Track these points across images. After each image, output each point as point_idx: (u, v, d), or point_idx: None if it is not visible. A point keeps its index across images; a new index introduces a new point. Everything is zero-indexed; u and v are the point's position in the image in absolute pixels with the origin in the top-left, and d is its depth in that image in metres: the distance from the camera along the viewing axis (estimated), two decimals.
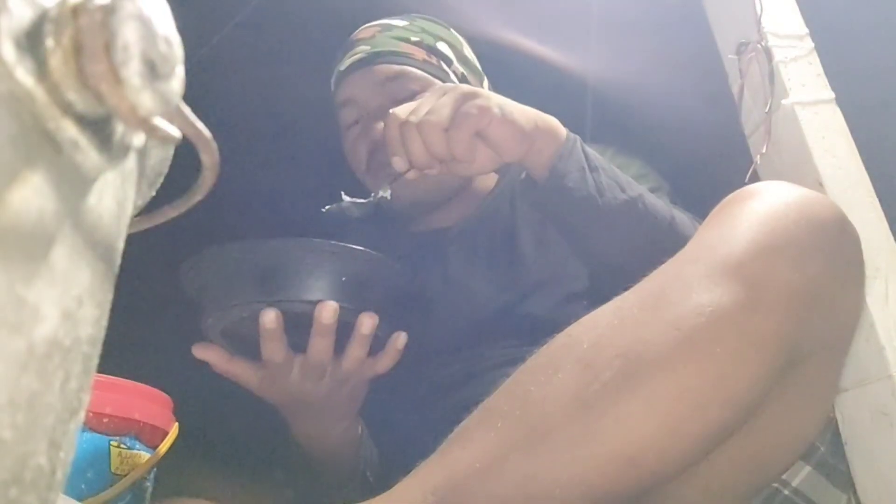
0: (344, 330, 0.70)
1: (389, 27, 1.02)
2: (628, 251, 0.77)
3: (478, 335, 0.90)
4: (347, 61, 1.01)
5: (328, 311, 0.68)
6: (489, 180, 1.07)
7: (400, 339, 0.75)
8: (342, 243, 0.69)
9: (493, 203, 1.02)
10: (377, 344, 0.74)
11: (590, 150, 0.80)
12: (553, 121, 0.79)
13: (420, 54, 0.99)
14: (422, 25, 1.03)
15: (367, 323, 0.70)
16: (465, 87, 0.77)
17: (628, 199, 0.77)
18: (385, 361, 0.76)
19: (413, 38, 1.00)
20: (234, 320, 0.70)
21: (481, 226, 1.00)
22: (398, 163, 0.75)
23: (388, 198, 0.80)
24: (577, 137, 0.80)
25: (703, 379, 0.50)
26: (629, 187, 0.79)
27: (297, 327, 0.69)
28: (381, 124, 0.93)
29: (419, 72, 0.98)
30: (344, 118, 1.02)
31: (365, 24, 1.05)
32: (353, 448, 0.85)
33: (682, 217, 0.82)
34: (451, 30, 1.06)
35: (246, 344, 0.73)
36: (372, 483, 0.87)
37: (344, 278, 0.69)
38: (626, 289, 0.57)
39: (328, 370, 0.74)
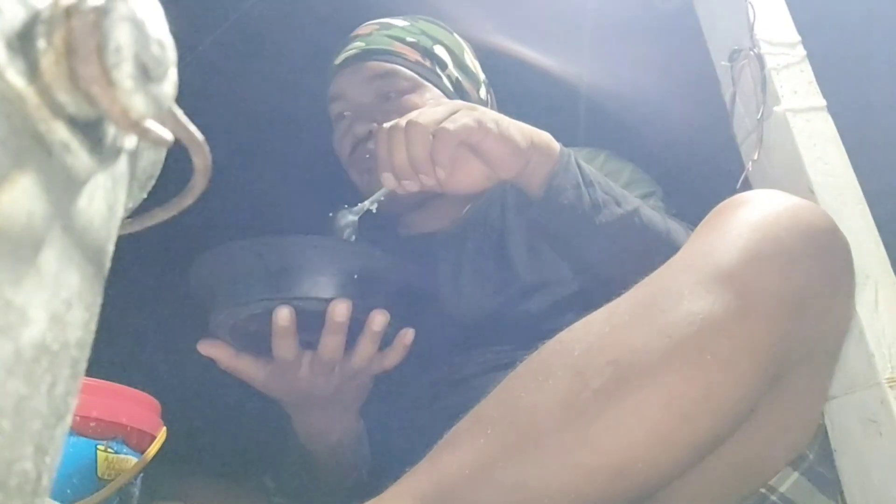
0: (353, 326, 0.71)
1: (388, 26, 1.03)
2: (623, 263, 0.76)
3: (467, 339, 0.90)
4: (342, 56, 1.03)
5: (342, 309, 0.69)
6: None
7: (408, 334, 0.76)
8: (354, 241, 0.71)
9: (482, 207, 1.02)
10: (382, 340, 0.75)
11: (584, 164, 0.80)
12: (547, 137, 0.79)
13: (413, 55, 1.00)
14: (422, 27, 1.03)
15: (379, 320, 0.72)
16: (462, 102, 0.77)
17: (624, 214, 0.78)
18: (392, 357, 0.77)
19: (409, 39, 1.01)
20: (245, 317, 0.71)
21: (471, 230, 1.00)
22: (385, 179, 0.74)
23: (374, 211, 0.81)
24: (572, 152, 0.80)
25: (694, 387, 0.50)
26: (625, 201, 0.79)
27: (307, 323, 0.69)
28: (365, 122, 0.96)
29: (409, 72, 0.98)
30: (333, 112, 1.04)
31: (354, 24, 1.07)
32: (354, 444, 0.86)
33: (677, 228, 0.82)
34: (455, 34, 1.06)
35: (253, 340, 0.73)
36: (366, 480, 0.87)
37: (356, 276, 0.70)
38: (617, 294, 0.58)
39: (338, 366, 0.74)
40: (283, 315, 0.68)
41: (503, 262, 0.95)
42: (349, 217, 0.80)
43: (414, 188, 0.75)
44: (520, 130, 0.76)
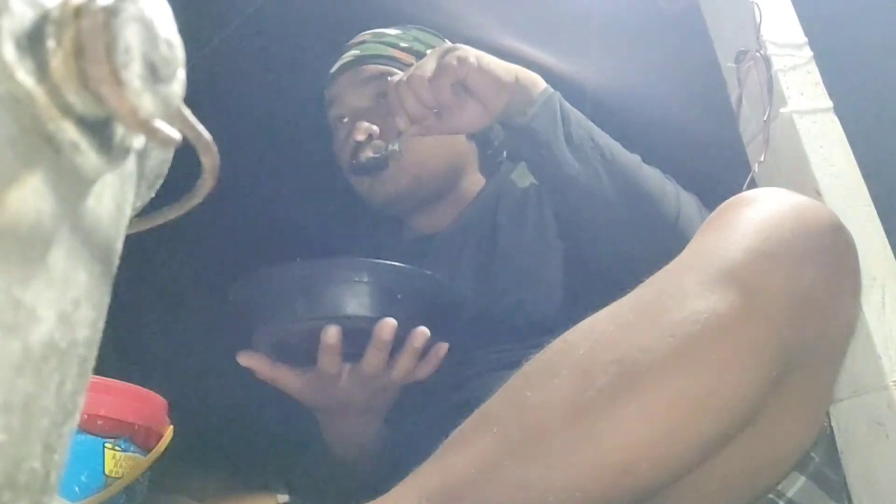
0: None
1: (382, 35, 1.07)
2: (596, 197, 0.83)
3: (470, 339, 0.91)
4: (338, 64, 1.07)
5: (388, 328, 0.73)
6: (474, 186, 1.09)
7: (442, 348, 0.79)
8: (398, 263, 0.76)
9: (477, 207, 1.05)
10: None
11: (569, 105, 0.86)
12: (535, 76, 0.86)
13: (408, 59, 1.03)
14: (415, 35, 1.08)
15: (421, 338, 0.75)
16: (450, 44, 0.86)
17: (596, 147, 0.83)
18: (426, 369, 0.79)
19: (402, 45, 1.05)
20: (290, 334, 0.76)
21: (466, 231, 1.03)
22: (399, 122, 0.83)
23: (398, 150, 0.90)
24: (557, 92, 0.86)
25: (698, 386, 0.50)
26: (600, 138, 0.85)
27: (348, 338, 0.73)
28: (363, 125, 0.98)
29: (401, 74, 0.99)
30: (331, 116, 1.07)
31: (361, 25, 1.10)
32: (380, 448, 0.88)
33: (649, 169, 0.87)
34: (447, 41, 1.08)
35: (291, 353, 0.78)
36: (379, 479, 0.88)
37: (399, 296, 0.75)
38: (619, 291, 0.57)
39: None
40: (332, 333, 0.72)
41: (494, 261, 0.97)
42: (377, 162, 0.92)
43: (423, 131, 0.86)
44: (505, 67, 0.84)
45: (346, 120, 1.04)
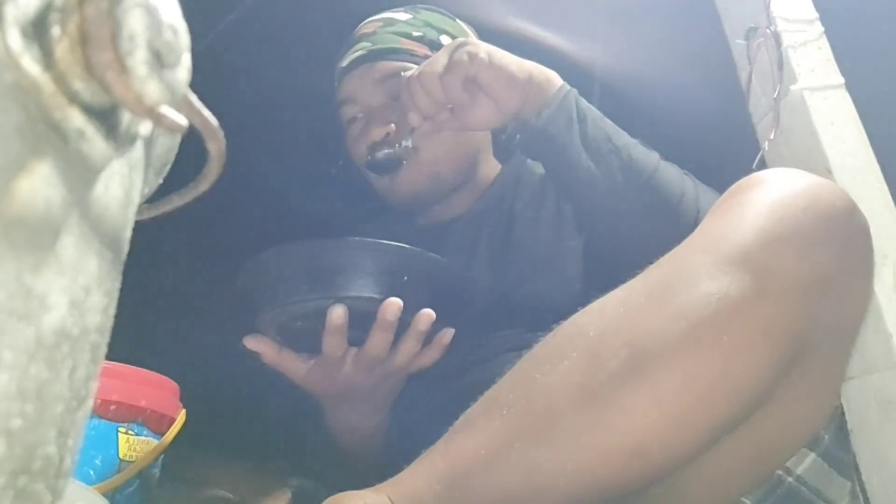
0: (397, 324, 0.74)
1: (392, 21, 1.02)
2: (626, 210, 0.82)
3: (481, 322, 0.90)
4: (348, 58, 1.03)
5: (393, 308, 0.71)
6: (491, 172, 1.08)
7: (447, 334, 0.78)
8: (405, 245, 0.75)
9: (494, 193, 1.04)
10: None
11: (586, 103, 0.84)
12: (550, 73, 0.84)
13: (422, 50, 1.00)
14: (425, 18, 1.03)
15: (425, 320, 0.74)
16: (461, 39, 0.84)
17: (613, 149, 0.81)
18: (431, 355, 0.78)
19: (415, 34, 1.01)
20: (297, 315, 0.75)
21: (483, 216, 1.01)
22: (413, 117, 0.84)
23: (412, 147, 0.91)
24: (574, 90, 0.84)
25: (710, 369, 0.50)
26: (617, 138, 0.83)
27: (353, 322, 0.72)
28: (382, 124, 0.97)
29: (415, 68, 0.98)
30: (344, 115, 1.04)
31: (373, 11, 1.06)
32: (385, 438, 0.88)
33: (668, 169, 0.85)
34: (458, 21, 1.06)
35: (296, 338, 0.77)
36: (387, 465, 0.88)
37: (406, 278, 0.73)
38: (628, 274, 0.57)
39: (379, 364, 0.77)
40: (338, 313, 0.71)
41: (510, 245, 0.96)
42: (392, 158, 0.92)
43: (437, 128, 0.85)
44: (518, 64, 0.82)
45: (360, 116, 1.01)
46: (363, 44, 1.01)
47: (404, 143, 0.90)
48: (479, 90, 0.81)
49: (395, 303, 0.71)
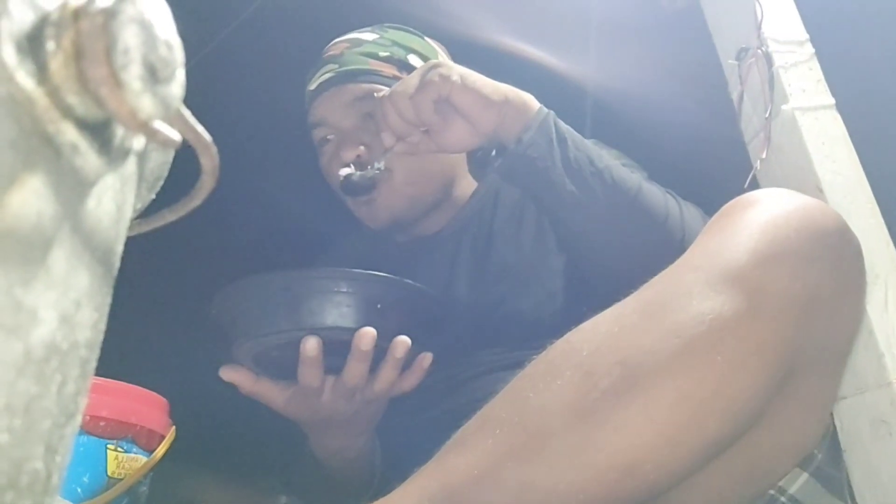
0: (374, 351, 0.73)
1: (359, 42, 1.02)
2: (597, 223, 0.81)
3: (465, 341, 0.90)
4: (316, 81, 1.02)
5: (367, 338, 0.71)
6: (468, 189, 1.07)
7: (426, 359, 0.77)
8: (377, 273, 0.74)
9: (472, 210, 1.03)
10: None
11: (564, 125, 0.83)
12: (527, 96, 0.83)
13: (389, 70, 0.99)
14: (392, 38, 1.03)
15: (401, 347, 0.73)
16: (434, 61, 0.83)
17: (595, 171, 0.81)
18: (411, 380, 0.77)
19: (382, 54, 1.00)
20: (269, 346, 0.74)
21: (461, 233, 1.01)
22: (386, 138, 0.84)
23: (383, 169, 0.91)
24: (552, 112, 0.83)
25: (703, 387, 0.50)
26: (599, 160, 0.82)
27: (330, 350, 0.72)
28: (352, 146, 0.96)
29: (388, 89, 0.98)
30: (316, 137, 1.03)
31: (364, 24, 1.06)
32: (369, 458, 0.87)
33: (651, 189, 0.84)
34: (426, 38, 1.05)
35: (273, 366, 0.76)
36: (377, 486, 0.87)
37: (379, 305, 0.73)
38: (617, 292, 0.57)
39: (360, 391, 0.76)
40: (312, 345, 0.71)
41: (491, 261, 0.96)
42: (365, 180, 0.92)
43: (410, 149, 0.85)
44: (493, 86, 0.81)
45: (331, 138, 1.01)
46: (331, 66, 1.01)
47: (377, 165, 0.90)
48: (455, 112, 0.81)
49: (368, 332, 0.71)
